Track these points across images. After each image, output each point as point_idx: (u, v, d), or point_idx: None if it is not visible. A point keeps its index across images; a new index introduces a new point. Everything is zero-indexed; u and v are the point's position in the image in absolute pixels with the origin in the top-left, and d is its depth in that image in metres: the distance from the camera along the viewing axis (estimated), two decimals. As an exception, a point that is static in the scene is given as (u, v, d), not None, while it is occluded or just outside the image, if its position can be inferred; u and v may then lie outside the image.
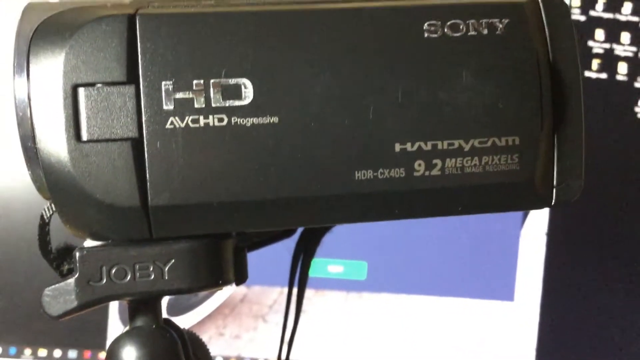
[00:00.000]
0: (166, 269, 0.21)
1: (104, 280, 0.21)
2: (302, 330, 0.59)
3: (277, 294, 0.59)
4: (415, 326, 0.60)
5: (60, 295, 0.21)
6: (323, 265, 0.59)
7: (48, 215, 0.23)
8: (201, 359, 0.25)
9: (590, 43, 0.62)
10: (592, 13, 0.61)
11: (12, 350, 0.55)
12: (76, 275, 0.21)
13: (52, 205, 0.23)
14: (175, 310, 0.58)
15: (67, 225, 0.21)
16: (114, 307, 0.56)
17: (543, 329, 0.61)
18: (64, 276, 0.22)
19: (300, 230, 0.30)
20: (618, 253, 0.62)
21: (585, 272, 0.61)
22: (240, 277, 0.23)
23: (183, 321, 0.58)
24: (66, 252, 0.24)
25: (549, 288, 0.61)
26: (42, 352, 0.55)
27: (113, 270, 0.21)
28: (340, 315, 0.59)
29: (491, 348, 0.60)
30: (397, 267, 0.60)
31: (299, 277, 0.30)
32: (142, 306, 0.23)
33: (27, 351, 0.55)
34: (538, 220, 0.61)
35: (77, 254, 0.21)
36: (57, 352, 0.56)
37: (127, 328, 0.23)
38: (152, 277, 0.21)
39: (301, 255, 0.30)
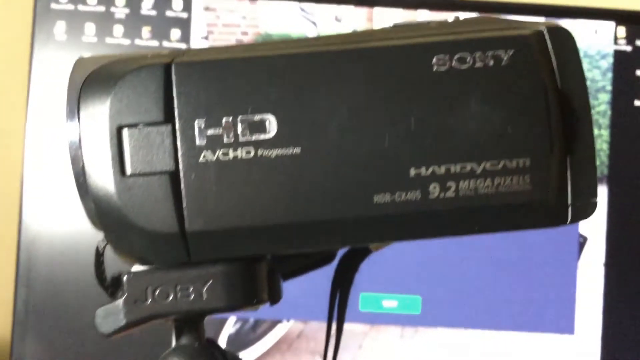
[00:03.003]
0: (204, 289, 0.23)
1: (149, 301, 0.23)
2: (359, 365, 0.60)
3: (334, 330, 0.60)
4: (472, 360, 0.60)
5: (110, 315, 0.24)
6: (377, 300, 0.60)
7: (102, 247, 0.26)
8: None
9: (639, 72, 0.62)
10: (638, 43, 0.62)
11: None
12: (124, 296, 0.23)
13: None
14: (235, 346, 0.60)
15: (116, 252, 0.24)
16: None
17: (605, 362, 0.60)
18: None
19: (338, 257, 0.32)
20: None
21: (646, 303, 0.60)
22: (274, 297, 0.25)
23: (243, 357, 0.60)
24: (119, 280, 0.26)
25: (609, 319, 0.60)
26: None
27: (157, 291, 0.23)
28: (397, 350, 0.60)
29: (552, 382, 0.59)
30: (452, 300, 0.60)
31: (338, 304, 0.32)
32: (186, 326, 0.25)
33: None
34: (595, 251, 0.60)
35: (125, 277, 0.24)
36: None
37: (173, 346, 0.25)
38: (192, 297, 0.23)
39: (340, 282, 0.32)
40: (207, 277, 0.23)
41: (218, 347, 0.25)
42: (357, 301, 0.60)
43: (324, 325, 0.59)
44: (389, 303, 0.60)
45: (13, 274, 0.58)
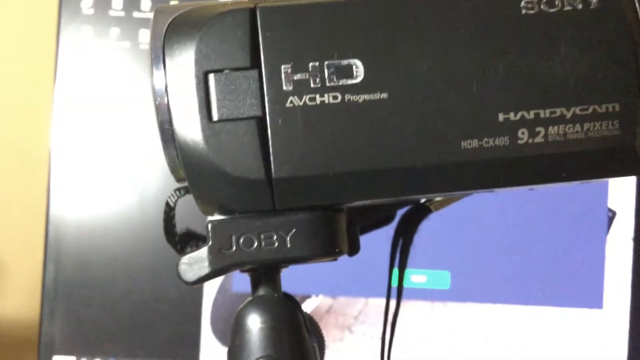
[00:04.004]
0: (288, 237, 0.23)
1: (234, 248, 0.23)
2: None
3: (362, 305, 0.60)
4: (501, 336, 0.60)
5: (195, 263, 0.23)
6: (406, 275, 0.60)
7: (173, 201, 0.26)
8: (315, 332, 0.27)
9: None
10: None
11: (112, 361, 0.58)
12: (209, 244, 0.23)
13: (177, 192, 0.26)
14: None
15: (199, 201, 0.23)
16: (206, 320, 0.59)
17: (634, 336, 0.60)
18: None
19: (397, 218, 0.32)
20: None
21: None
22: (353, 249, 0.25)
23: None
24: (188, 236, 0.26)
25: (638, 294, 0.60)
26: (141, 363, 0.58)
27: (241, 239, 0.23)
28: (426, 324, 0.60)
29: (580, 357, 0.59)
30: (481, 276, 0.60)
31: (399, 264, 0.32)
32: (263, 277, 0.25)
33: (126, 362, 0.58)
34: (624, 226, 0.60)
35: (210, 225, 0.23)
36: (155, 363, 0.58)
37: (250, 298, 0.25)
38: (276, 245, 0.23)
39: (400, 241, 0.32)
40: (291, 226, 0.23)
41: (295, 300, 0.25)
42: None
43: (352, 301, 0.60)
44: (418, 278, 0.60)
45: (42, 249, 0.58)
